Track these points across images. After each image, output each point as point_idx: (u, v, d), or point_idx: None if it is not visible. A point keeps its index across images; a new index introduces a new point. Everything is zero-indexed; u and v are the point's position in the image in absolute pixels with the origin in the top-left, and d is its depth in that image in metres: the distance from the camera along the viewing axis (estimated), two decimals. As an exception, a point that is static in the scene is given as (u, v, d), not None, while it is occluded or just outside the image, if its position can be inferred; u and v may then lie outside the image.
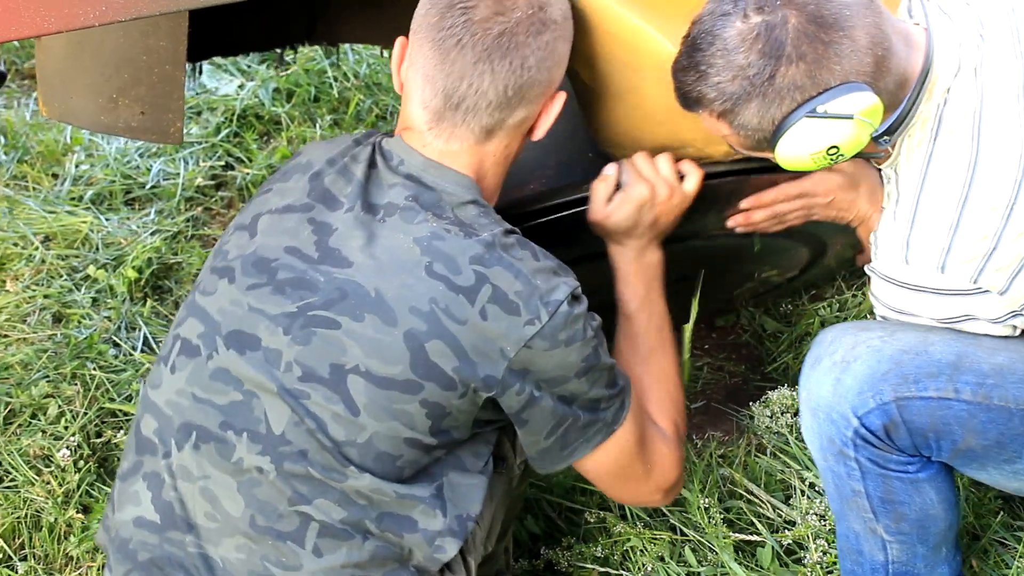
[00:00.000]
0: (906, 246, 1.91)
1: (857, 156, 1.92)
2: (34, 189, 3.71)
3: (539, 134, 1.94)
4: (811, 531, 2.41)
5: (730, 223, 2.33)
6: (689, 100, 1.91)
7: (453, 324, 1.74)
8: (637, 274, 2.15)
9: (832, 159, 1.87)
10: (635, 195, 2.13)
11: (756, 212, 2.29)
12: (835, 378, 1.97)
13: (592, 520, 2.52)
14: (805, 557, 2.39)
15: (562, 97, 1.92)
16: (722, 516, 2.51)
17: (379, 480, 1.78)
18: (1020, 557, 2.33)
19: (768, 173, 2.26)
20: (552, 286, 1.80)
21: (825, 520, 2.44)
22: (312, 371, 1.76)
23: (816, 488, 2.55)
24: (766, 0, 1.81)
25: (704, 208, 2.27)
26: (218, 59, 4.15)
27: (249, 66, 4.26)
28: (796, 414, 2.73)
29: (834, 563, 2.34)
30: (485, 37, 1.80)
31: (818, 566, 2.35)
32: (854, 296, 3.16)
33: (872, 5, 1.84)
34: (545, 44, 1.84)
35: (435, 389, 1.76)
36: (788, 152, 1.87)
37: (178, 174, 3.78)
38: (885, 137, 1.90)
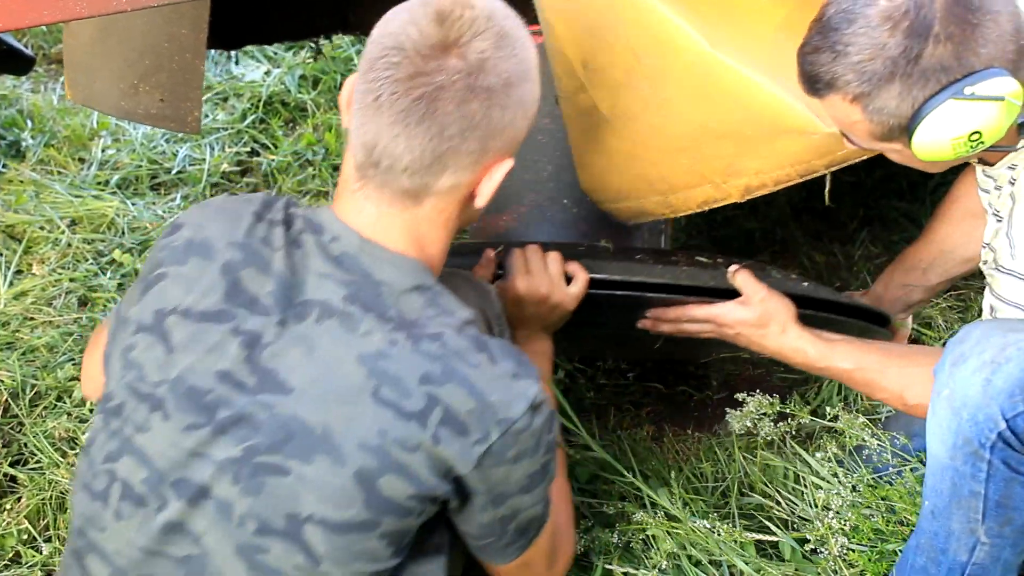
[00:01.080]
0: None
1: (991, 149, 1.88)
2: (60, 173, 3.73)
3: (480, 202, 1.77)
4: (830, 530, 2.39)
5: (639, 324, 2.31)
6: (820, 83, 1.86)
7: (405, 454, 1.61)
8: None
9: (973, 146, 1.82)
10: (512, 288, 2.10)
11: (661, 324, 2.28)
12: (984, 378, 1.86)
13: (611, 511, 2.51)
14: (822, 551, 2.37)
15: (506, 165, 1.74)
16: (739, 511, 2.50)
17: None
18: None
19: (669, 293, 2.24)
20: (508, 400, 1.64)
21: (842, 517, 2.41)
22: (267, 524, 1.63)
23: (827, 482, 2.52)
24: None
25: (609, 313, 2.26)
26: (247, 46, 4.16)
27: (275, 53, 4.27)
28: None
29: (854, 555, 2.32)
30: (404, 98, 1.64)
31: (840, 559, 2.33)
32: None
33: None
34: (472, 113, 1.65)
35: (392, 520, 1.65)
36: (928, 139, 1.82)
37: (204, 160, 3.79)
38: None
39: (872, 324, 2.46)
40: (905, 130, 1.84)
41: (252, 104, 4.01)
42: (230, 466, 1.63)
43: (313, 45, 3.85)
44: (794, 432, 2.68)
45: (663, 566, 2.35)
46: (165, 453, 1.65)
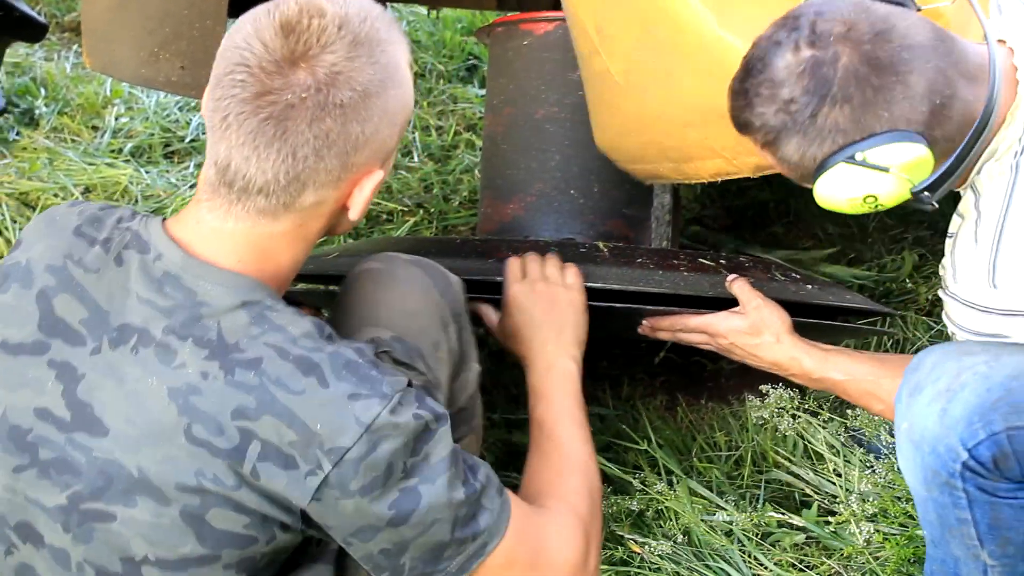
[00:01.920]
0: (992, 269, 1.83)
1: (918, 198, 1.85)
2: (74, 141, 3.73)
3: (354, 215, 1.64)
4: (854, 516, 2.38)
5: (639, 330, 2.30)
6: (738, 124, 1.87)
7: (227, 491, 1.51)
8: (551, 386, 1.98)
9: (871, 207, 1.82)
10: (513, 297, 2.07)
11: (658, 332, 2.26)
12: (941, 408, 1.82)
13: (631, 479, 2.52)
14: (847, 529, 2.36)
15: (376, 176, 1.62)
16: (754, 484, 2.50)
17: None
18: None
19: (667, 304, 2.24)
20: (338, 426, 1.50)
21: (867, 502, 2.40)
22: (104, 569, 1.56)
23: (848, 461, 2.53)
24: (821, 34, 1.76)
25: (608, 321, 2.24)
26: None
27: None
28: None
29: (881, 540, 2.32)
30: (251, 118, 1.51)
31: (866, 542, 2.32)
32: (893, 260, 3.15)
33: (941, 45, 1.77)
34: (326, 131, 1.52)
35: (233, 552, 1.55)
36: (825, 193, 1.82)
37: (218, 129, 3.79)
38: (926, 194, 1.82)
39: (877, 319, 2.45)
40: (811, 179, 1.83)
41: (265, 72, 4.01)
42: (59, 514, 1.56)
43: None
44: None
45: (679, 538, 2.35)
46: (2, 496, 1.59)
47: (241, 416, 1.49)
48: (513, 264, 2.14)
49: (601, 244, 2.37)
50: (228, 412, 1.49)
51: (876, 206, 1.82)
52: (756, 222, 3.52)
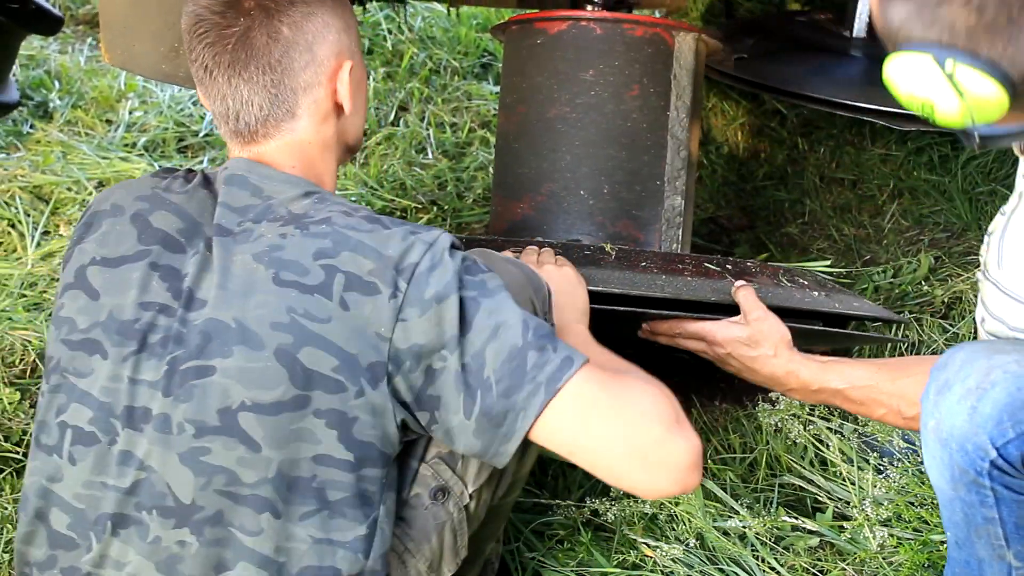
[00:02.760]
0: None
1: None
2: (87, 135, 3.73)
3: (348, 106, 1.91)
4: (868, 520, 2.37)
5: (639, 334, 2.32)
6: None
7: (317, 325, 1.67)
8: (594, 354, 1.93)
9: (923, 113, 1.72)
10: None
11: (657, 336, 2.27)
12: (970, 406, 1.81)
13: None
14: (861, 534, 2.34)
15: (347, 66, 1.89)
16: (768, 486, 2.50)
17: (290, 526, 1.70)
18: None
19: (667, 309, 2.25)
20: (404, 249, 1.71)
21: (881, 507, 2.38)
22: (204, 424, 1.69)
23: (853, 463, 2.51)
24: None
25: (612, 324, 2.26)
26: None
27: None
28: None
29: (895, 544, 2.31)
30: (224, 55, 1.82)
31: (880, 547, 2.31)
32: (909, 263, 3.14)
33: None
34: (283, 35, 1.83)
35: (323, 396, 1.68)
36: (893, 73, 1.71)
37: (232, 123, 3.79)
38: (977, 137, 1.76)
39: (884, 326, 2.43)
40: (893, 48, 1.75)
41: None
42: (162, 382, 1.71)
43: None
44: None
45: (690, 543, 2.34)
46: (107, 388, 1.74)
47: (322, 256, 1.70)
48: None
49: (607, 246, 2.38)
50: (310, 255, 1.70)
51: (928, 115, 1.73)
52: (771, 222, 3.51)
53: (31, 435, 2.30)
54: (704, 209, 3.54)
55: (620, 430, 1.66)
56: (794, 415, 2.61)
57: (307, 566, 1.70)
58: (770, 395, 2.65)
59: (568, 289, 2.13)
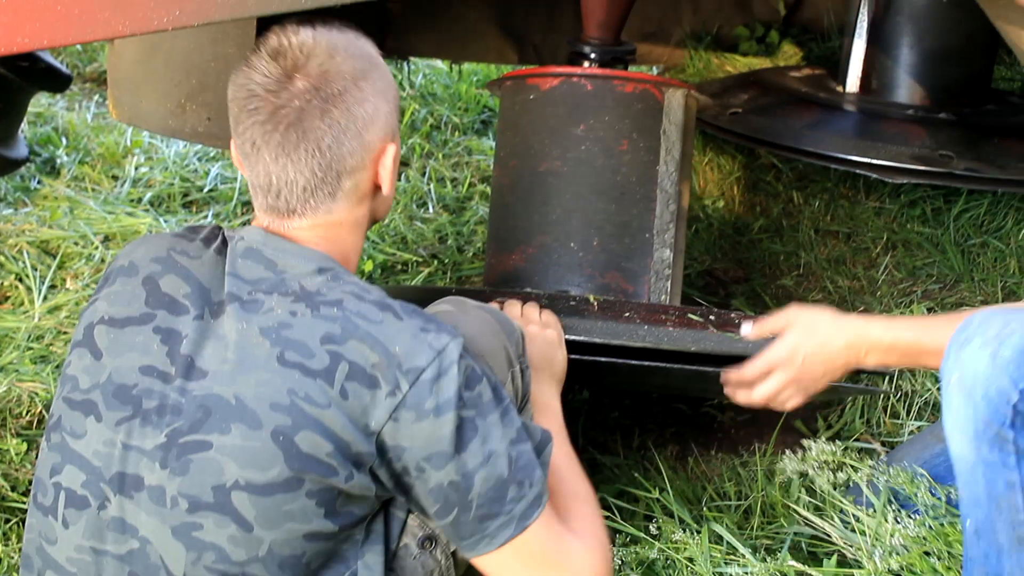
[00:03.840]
0: None
1: None
2: (94, 190, 3.80)
3: (387, 188, 1.92)
4: (875, 570, 2.36)
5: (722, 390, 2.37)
6: None
7: (316, 410, 1.70)
8: (549, 424, 2.07)
9: None
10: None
11: (744, 397, 2.32)
12: (992, 352, 1.87)
13: (639, 528, 2.54)
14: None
15: (391, 151, 1.90)
16: (763, 533, 2.52)
17: None
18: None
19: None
20: (413, 350, 1.73)
21: (892, 557, 2.34)
22: (197, 500, 1.72)
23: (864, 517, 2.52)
24: None
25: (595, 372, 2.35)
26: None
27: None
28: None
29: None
30: (275, 133, 1.80)
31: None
32: (902, 313, 3.18)
33: None
34: (336, 120, 1.82)
35: (316, 478, 1.71)
36: None
37: (235, 178, 3.87)
38: None
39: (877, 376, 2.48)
40: None
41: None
42: (157, 452, 1.73)
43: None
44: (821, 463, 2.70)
45: None
46: (100, 452, 1.76)
47: (329, 341, 1.71)
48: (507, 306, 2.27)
49: (591, 297, 2.43)
50: (317, 338, 1.71)
51: None
52: (767, 275, 3.56)
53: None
54: (700, 262, 3.59)
55: None
56: (825, 462, 2.62)
57: None
58: (803, 442, 2.67)
59: (548, 353, 2.21)
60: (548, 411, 2.13)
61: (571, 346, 2.26)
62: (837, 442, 2.64)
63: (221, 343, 1.74)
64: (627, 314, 2.36)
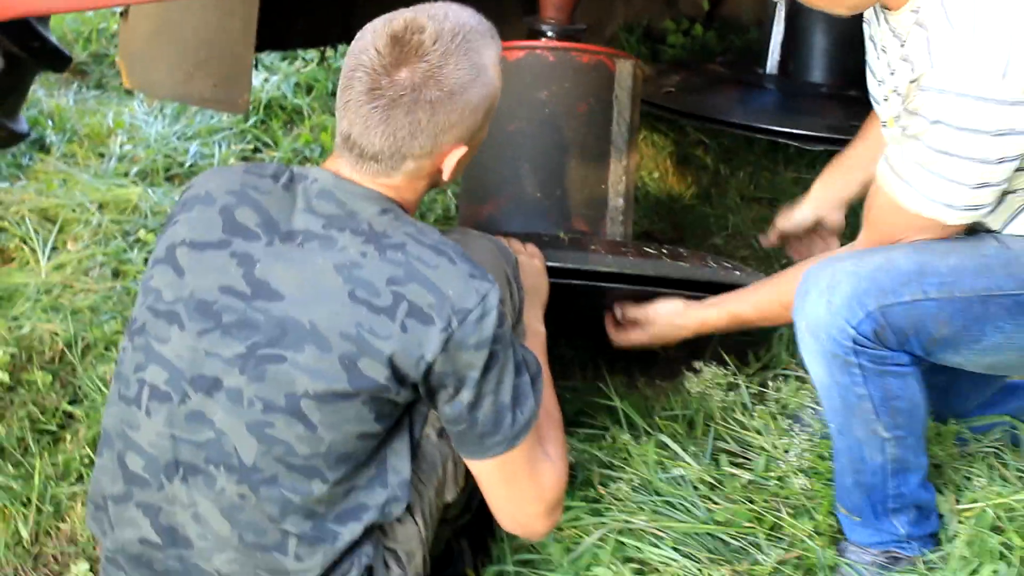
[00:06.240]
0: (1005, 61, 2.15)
1: None
2: (84, 166, 4.11)
3: (446, 177, 2.11)
4: (791, 469, 2.74)
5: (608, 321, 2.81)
6: None
7: (379, 341, 1.95)
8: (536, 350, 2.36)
9: None
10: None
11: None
12: (827, 300, 2.30)
13: (597, 432, 2.91)
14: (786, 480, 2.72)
15: (460, 151, 2.07)
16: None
17: (333, 487, 2.02)
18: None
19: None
20: (463, 293, 1.98)
21: (801, 459, 2.76)
22: (271, 403, 1.98)
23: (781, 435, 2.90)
24: None
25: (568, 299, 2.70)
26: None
27: (272, 63, 4.70)
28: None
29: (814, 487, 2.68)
30: (366, 106, 1.98)
31: (803, 489, 2.68)
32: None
33: None
34: (418, 120, 1.98)
35: (373, 391, 1.98)
36: None
37: (213, 155, 4.23)
38: None
39: None
40: None
41: (254, 107, 4.44)
42: (237, 360, 1.99)
43: (320, 52, 4.31)
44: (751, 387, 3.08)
45: (635, 483, 2.71)
46: (183, 356, 2.02)
47: (394, 283, 1.97)
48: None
49: (561, 234, 2.83)
50: (384, 279, 1.97)
51: None
52: (699, 235, 3.95)
53: (110, 383, 2.54)
54: (640, 225, 3.94)
55: (517, 503, 2.18)
56: (717, 383, 3.03)
57: (343, 509, 2.05)
58: (694, 365, 3.08)
59: (534, 279, 2.53)
60: (536, 336, 2.44)
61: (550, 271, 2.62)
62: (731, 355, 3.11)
63: (297, 270, 1.99)
64: (593, 247, 2.75)
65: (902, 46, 2.34)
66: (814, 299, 2.32)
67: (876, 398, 2.36)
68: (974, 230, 2.41)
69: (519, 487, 2.16)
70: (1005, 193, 2.30)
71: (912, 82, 2.26)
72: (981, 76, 2.14)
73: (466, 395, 2.02)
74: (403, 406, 2.07)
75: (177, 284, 2.04)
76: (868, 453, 2.44)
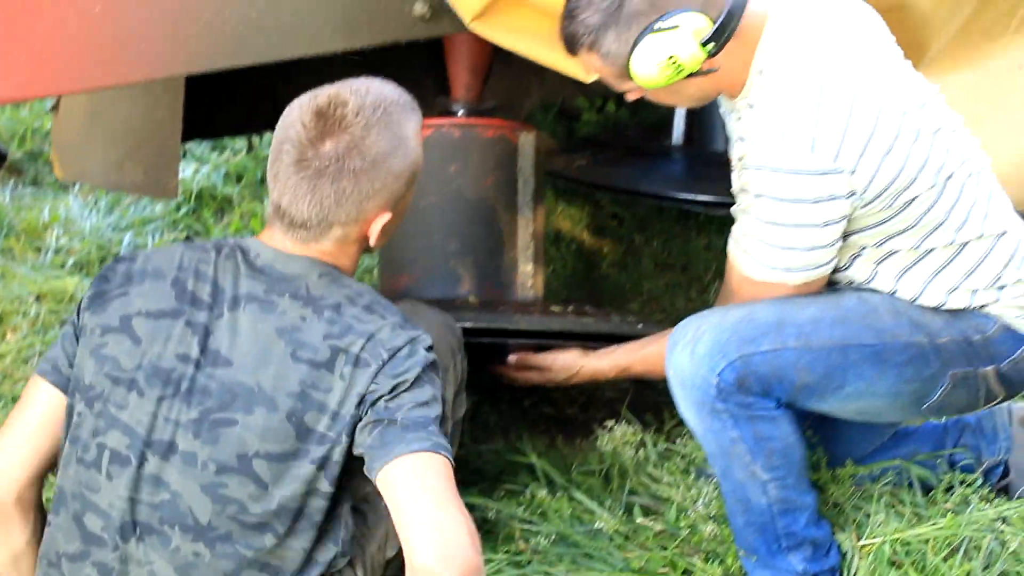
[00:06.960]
0: (813, 134, 2.27)
1: (697, 75, 2.31)
2: (21, 259, 4.23)
3: (373, 243, 2.20)
4: (699, 517, 2.85)
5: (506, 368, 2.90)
6: (568, 43, 2.34)
7: (320, 394, 2.06)
8: None
9: (677, 70, 2.27)
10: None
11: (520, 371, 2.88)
12: (691, 351, 2.40)
13: (515, 488, 3.02)
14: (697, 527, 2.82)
15: (385, 217, 2.17)
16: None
17: (285, 539, 2.10)
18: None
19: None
20: (391, 335, 2.09)
21: (709, 507, 2.87)
22: (224, 464, 2.07)
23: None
24: None
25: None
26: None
27: (202, 154, 4.87)
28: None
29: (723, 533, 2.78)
30: (293, 177, 2.11)
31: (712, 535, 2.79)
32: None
33: None
34: (343, 189, 2.10)
35: (317, 447, 2.07)
36: (641, 69, 2.27)
37: (146, 244, 4.35)
38: (712, 45, 2.26)
39: None
40: (626, 67, 2.29)
41: (185, 197, 4.59)
42: (191, 425, 2.08)
43: (248, 140, 4.48)
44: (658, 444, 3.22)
45: (554, 537, 2.82)
46: (142, 421, 2.09)
47: (331, 338, 2.08)
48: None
49: (471, 298, 3.00)
50: (321, 337, 2.08)
51: (679, 68, 2.27)
52: (615, 302, 4.11)
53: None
54: (558, 295, 4.09)
55: (441, 520, 1.99)
56: (627, 442, 3.17)
57: (296, 566, 2.12)
58: (605, 425, 3.22)
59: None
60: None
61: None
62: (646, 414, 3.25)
63: (243, 337, 2.10)
64: (501, 308, 2.93)
65: (739, 124, 2.49)
66: (680, 351, 2.44)
67: (749, 441, 2.46)
68: (835, 283, 2.54)
69: (443, 500, 2.00)
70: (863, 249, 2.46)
71: (739, 159, 2.45)
72: (791, 151, 2.28)
73: (393, 400, 2.07)
74: (347, 464, 2.12)
75: (134, 352, 2.12)
76: (752, 495, 2.53)
